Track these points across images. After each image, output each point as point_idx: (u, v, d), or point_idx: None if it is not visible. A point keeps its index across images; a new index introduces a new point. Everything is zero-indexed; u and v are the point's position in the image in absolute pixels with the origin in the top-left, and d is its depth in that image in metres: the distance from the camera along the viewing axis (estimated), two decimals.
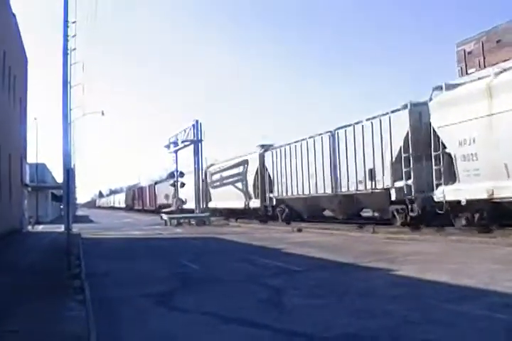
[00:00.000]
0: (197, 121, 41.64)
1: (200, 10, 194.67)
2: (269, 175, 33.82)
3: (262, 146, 35.83)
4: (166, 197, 57.32)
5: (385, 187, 22.01)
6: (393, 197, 21.57)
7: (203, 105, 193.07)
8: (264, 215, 34.87)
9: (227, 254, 17.23)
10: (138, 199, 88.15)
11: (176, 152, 45.75)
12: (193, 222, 39.25)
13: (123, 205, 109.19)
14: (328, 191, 26.38)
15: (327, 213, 30.49)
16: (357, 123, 24.11)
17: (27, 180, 37.82)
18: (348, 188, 24.60)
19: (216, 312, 7.87)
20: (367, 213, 28.30)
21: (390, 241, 18.81)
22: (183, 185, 45.49)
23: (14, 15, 28.17)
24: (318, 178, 27.33)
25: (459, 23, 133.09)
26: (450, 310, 7.30)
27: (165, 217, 41.85)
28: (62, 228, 23.96)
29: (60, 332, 6.42)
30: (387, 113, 21.93)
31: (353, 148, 24.18)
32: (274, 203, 33.38)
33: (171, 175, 47.81)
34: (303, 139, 29.49)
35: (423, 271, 10.95)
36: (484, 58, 49.03)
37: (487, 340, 6.03)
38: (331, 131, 26.47)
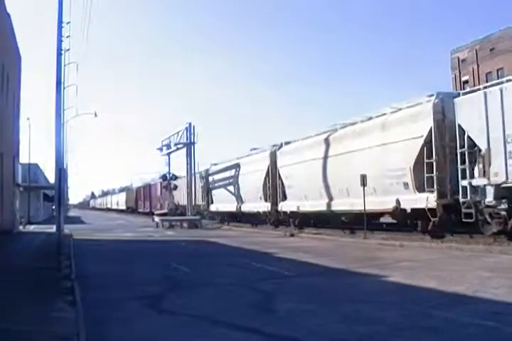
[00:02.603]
0: (190, 124, 41.65)
1: (204, 16, 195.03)
2: (472, 141, 17.30)
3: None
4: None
5: None
6: None
7: (198, 108, 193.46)
8: (444, 225, 18.55)
9: (219, 258, 17.16)
10: (144, 199, 74.46)
11: (168, 154, 45.71)
12: (185, 225, 39.19)
13: (123, 207, 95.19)
14: None
15: None
16: None
17: (19, 179, 37.64)
18: None
19: (206, 316, 7.83)
20: None
21: (381, 246, 18.82)
22: (175, 187, 45.32)
23: (9, 14, 28.13)
24: None
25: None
26: (439, 317, 7.30)
27: (156, 219, 41.78)
28: (53, 228, 23.78)
29: (49, 333, 6.36)
30: None
31: None
32: (492, 197, 16.54)
33: (163, 177, 47.41)
34: None
35: (414, 278, 10.96)
36: (478, 66, 49.31)
37: None
38: None
